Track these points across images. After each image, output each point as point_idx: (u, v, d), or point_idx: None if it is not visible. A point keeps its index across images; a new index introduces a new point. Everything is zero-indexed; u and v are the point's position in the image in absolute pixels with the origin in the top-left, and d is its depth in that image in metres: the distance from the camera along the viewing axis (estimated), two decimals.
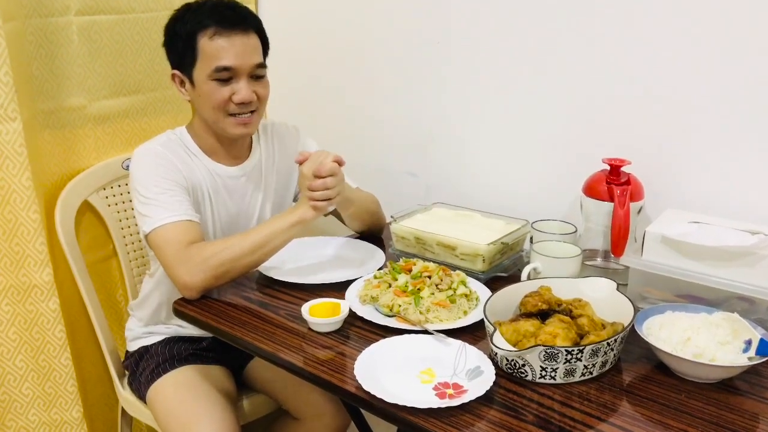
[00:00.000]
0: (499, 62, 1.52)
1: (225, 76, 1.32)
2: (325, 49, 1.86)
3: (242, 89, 1.33)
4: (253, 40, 1.35)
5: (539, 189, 1.47)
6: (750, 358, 0.98)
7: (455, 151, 1.63)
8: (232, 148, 1.44)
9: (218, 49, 1.30)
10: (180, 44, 1.34)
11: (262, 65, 1.37)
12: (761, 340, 0.97)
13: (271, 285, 1.32)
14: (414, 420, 0.91)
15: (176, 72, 1.38)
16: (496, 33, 1.51)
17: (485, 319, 1.04)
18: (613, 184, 1.25)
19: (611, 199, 1.25)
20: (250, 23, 1.35)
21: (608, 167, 1.28)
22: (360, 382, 0.96)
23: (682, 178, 1.30)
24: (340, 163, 1.30)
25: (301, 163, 1.30)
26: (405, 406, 0.91)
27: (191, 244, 1.26)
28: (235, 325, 1.18)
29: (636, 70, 1.32)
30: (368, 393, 0.94)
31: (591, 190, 1.30)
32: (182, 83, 1.38)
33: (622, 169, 1.27)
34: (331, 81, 1.87)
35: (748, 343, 1.00)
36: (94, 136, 1.62)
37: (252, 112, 1.36)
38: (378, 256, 1.42)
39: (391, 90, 1.74)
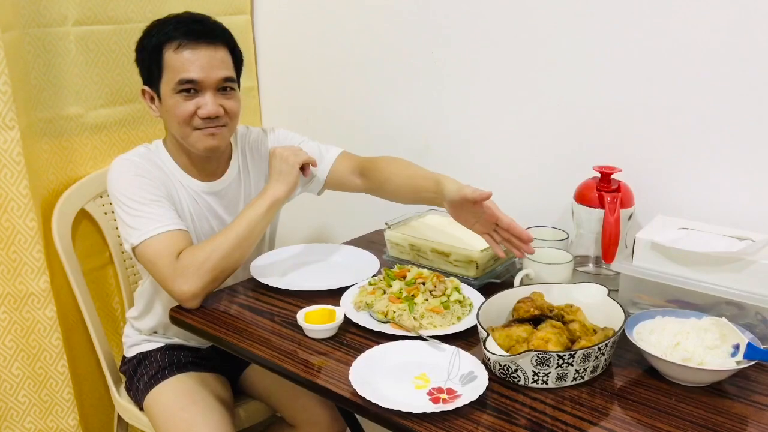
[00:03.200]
0: (493, 71, 1.54)
1: (189, 88, 1.29)
2: (320, 52, 1.88)
3: (207, 103, 1.30)
4: (221, 54, 1.32)
5: (531, 196, 1.49)
6: (738, 362, 0.99)
7: (449, 159, 1.65)
8: (207, 164, 1.42)
9: (183, 61, 1.28)
10: (147, 58, 1.32)
11: (231, 79, 1.34)
12: (749, 344, 0.99)
13: (266, 292, 1.34)
14: (408, 425, 0.92)
15: (145, 88, 1.36)
16: (490, 42, 1.53)
17: (478, 325, 1.05)
18: (604, 191, 1.27)
19: (602, 206, 1.27)
20: (218, 36, 1.32)
21: (599, 174, 1.30)
22: (355, 387, 0.97)
23: (671, 185, 1.32)
24: (313, 164, 1.38)
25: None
26: (399, 411, 0.92)
27: (180, 254, 1.26)
28: (231, 333, 1.19)
29: (626, 79, 1.35)
30: (363, 398, 0.95)
31: (582, 197, 1.32)
32: (152, 99, 1.36)
33: (613, 176, 1.29)
34: (325, 84, 1.90)
35: (736, 347, 1.02)
36: (91, 144, 1.63)
37: (220, 126, 1.33)
38: (372, 262, 1.43)
39: (386, 97, 1.77)
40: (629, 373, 1.06)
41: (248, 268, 1.40)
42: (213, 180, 1.44)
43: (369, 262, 1.44)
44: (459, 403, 0.94)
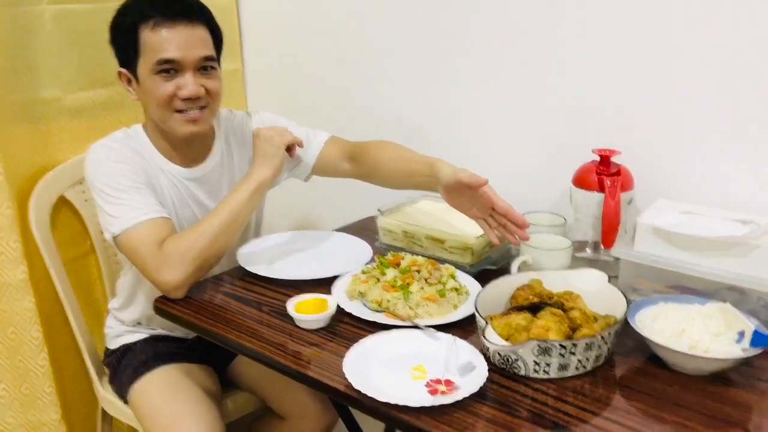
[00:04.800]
0: (488, 54, 1.50)
1: (169, 68, 1.24)
2: (309, 33, 1.82)
3: (188, 83, 1.25)
4: (200, 32, 1.26)
5: (529, 180, 1.45)
6: (744, 350, 0.96)
7: (444, 143, 1.60)
8: (189, 149, 1.37)
9: (160, 40, 1.22)
10: (122, 38, 1.27)
11: (212, 58, 1.28)
12: (755, 332, 0.96)
13: (253, 281, 1.29)
14: (406, 419, 0.89)
15: (122, 70, 1.30)
16: (485, 25, 1.49)
17: (476, 314, 1.02)
18: (604, 174, 1.24)
19: (601, 190, 1.23)
20: (196, 13, 1.26)
21: (598, 158, 1.26)
22: (350, 380, 0.93)
23: (672, 168, 1.29)
24: (300, 145, 1.34)
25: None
26: (397, 405, 0.89)
27: (163, 242, 1.21)
28: (218, 323, 1.14)
29: (626, 61, 1.31)
30: (358, 391, 0.91)
31: (581, 181, 1.28)
32: (129, 81, 1.30)
33: (612, 159, 1.25)
34: (314, 67, 1.84)
35: (741, 334, 0.99)
36: (70, 129, 1.56)
37: (202, 108, 1.28)
38: (365, 250, 1.39)
39: (378, 81, 1.71)
40: (632, 362, 1.02)
41: (234, 256, 1.35)
42: (195, 165, 1.39)
43: (361, 250, 1.39)
44: (458, 395, 0.91)
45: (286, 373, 1.03)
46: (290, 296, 1.19)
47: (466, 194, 1.18)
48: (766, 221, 1.08)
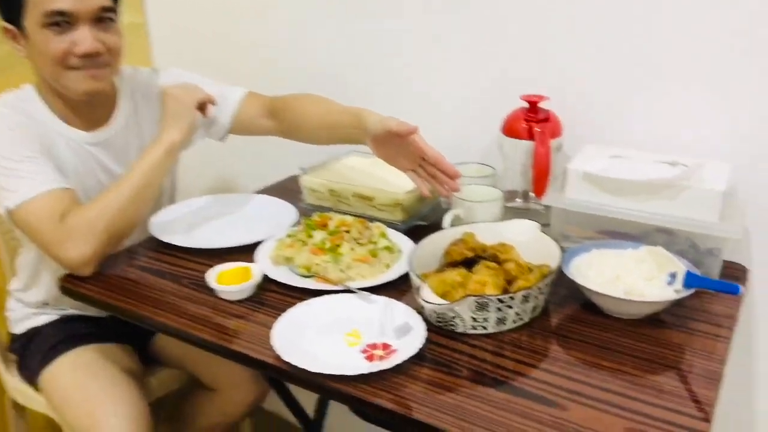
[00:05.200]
0: (410, 1, 1.42)
1: (60, 21, 1.11)
2: None
3: (84, 38, 1.13)
4: None
5: (456, 131, 1.40)
6: (677, 291, 0.96)
7: (365, 96, 1.52)
8: (90, 110, 1.25)
9: None
10: None
11: (110, 9, 1.16)
12: (687, 272, 0.96)
13: (170, 252, 1.20)
14: (343, 388, 0.84)
15: (6, 24, 1.16)
16: None
17: (411, 273, 0.97)
18: (532, 122, 1.20)
19: (530, 138, 1.20)
20: None
21: (526, 105, 1.22)
22: (278, 351, 0.87)
23: (599, 112, 1.26)
24: (212, 102, 1.24)
25: None
26: (332, 375, 0.83)
27: (65, 215, 1.10)
28: (133, 301, 1.05)
29: (549, 4, 1.26)
30: (288, 363, 0.86)
31: (509, 129, 1.24)
32: (15, 37, 1.17)
33: (540, 105, 1.22)
34: (227, 18, 1.72)
35: (673, 276, 0.98)
36: None
37: (101, 66, 1.17)
38: (289, 212, 1.32)
39: (296, 32, 1.61)
40: (567, 311, 1.01)
41: (147, 226, 1.25)
42: (98, 128, 1.27)
43: (285, 212, 1.32)
44: (396, 359, 0.86)
45: (210, 349, 0.96)
46: (211, 266, 1.11)
47: (394, 144, 1.12)
48: (693, 162, 1.08)
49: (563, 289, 1.03)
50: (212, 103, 1.26)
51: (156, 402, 1.39)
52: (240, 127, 1.37)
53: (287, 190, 1.46)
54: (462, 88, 1.41)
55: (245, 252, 1.16)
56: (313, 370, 0.84)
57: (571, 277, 0.98)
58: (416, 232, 1.22)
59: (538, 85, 1.27)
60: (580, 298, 1.02)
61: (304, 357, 0.87)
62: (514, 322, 0.95)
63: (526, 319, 0.96)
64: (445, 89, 1.44)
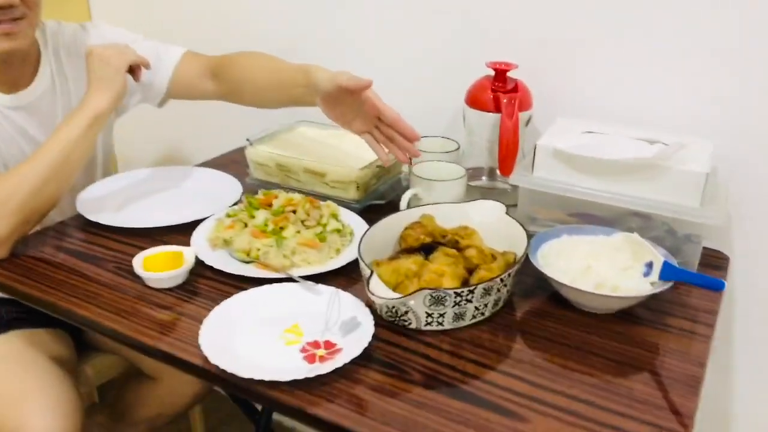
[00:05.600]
0: None
1: None
2: None
3: None
4: None
5: (416, 102, 1.28)
6: (653, 283, 0.88)
7: (321, 59, 1.40)
8: (8, 70, 1.11)
9: None
10: None
11: None
12: (665, 263, 0.87)
13: (98, 232, 1.08)
14: (276, 396, 0.74)
15: None
16: None
17: (360, 260, 0.87)
18: (499, 91, 1.09)
19: (497, 110, 1.09)
20: None
21: (493, 72, 1.11)
22: (206, 353, 0.77)
23: (573, 82, 1.16)
24: (145, 66, 1.10)
25: None
26: (263, 380, 0.73)
27: None
28: (48, 288, 0.93)
29: None
30: (216, 366, 0.75)
31: (474, 100, 1.13)
32: None
33: (509, 74, 1.11)
34: None
35: (649, 266, 0.90)
36: None
37: (15, 20, 1.03)
38: (233, 188, 1.20)
39: None
40: (533, 303, 0.92)
41: (74, 202, 1.13)
42: (18, 91, 1.13)
43: (229, 188, 1.20)
44: (339, 360, 0.76)
45: (130, 345, 0.84)
46: (143, 248, 1.00)
47: (347, 103, 1.02)
48: (674, 141, 0.98)
49: (529, 277, 0.94)
50: (145, 66, 1.12)
51: (100, 392, 1.29)
52: (179, 90, 1.24)
53: (234, 162, 1.35)
54: (422, 54, 1.29)
55: (182, 232, 1.05)
56: (242, 375, 0.73)
57: (539, 267, 0.89)
58: (373, 212, 1.12)
59: (506, 51, 1.16)
60: (547, 289, 0.93)
61: (234, 359, 0.77)
62: (474, 317, 0.85)
63: (487, 314, 0.87)
64: (403, 55, 1.32)
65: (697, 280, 0.86)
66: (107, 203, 1.14)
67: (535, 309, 0.91)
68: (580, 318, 0.88)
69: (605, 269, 0.88)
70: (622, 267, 0.89)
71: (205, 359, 0.77)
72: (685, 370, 0.79)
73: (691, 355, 0.82)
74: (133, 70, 1.11)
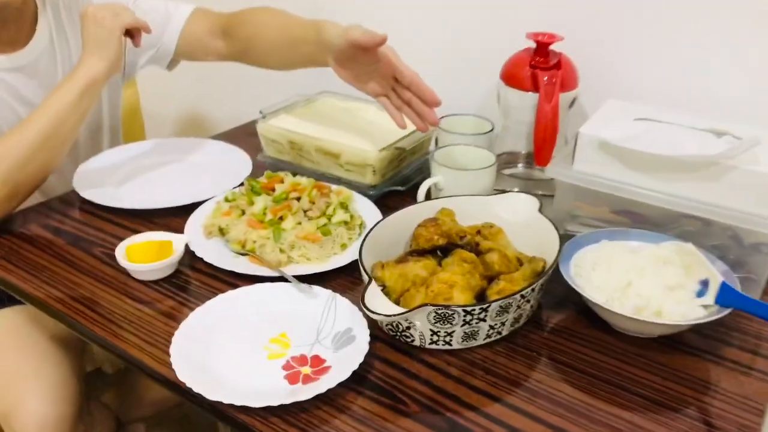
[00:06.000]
0: None
1: None
2: None
3: None
4: None
5: (445, 76, 1.14)
6: (706, 307, 0.73)
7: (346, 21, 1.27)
8: (2, 29, 1.03)
9: None
10: None
11: None
12: (723, 285, 0.72)
13: (91, 211, 1.00)
14: (246, 421, 0.64)
15: None
16: None
17: (360, 263, 0.76)
18: (539, 68, 0.95)
19: (536, 89, 0.95)
20: None
21: (534, 45, 0.96)
22: (174, 366, 0.67)
23: (626, 59, 1.00)
24: (145, 30, 1.01)
25: None
26: (233, 405, 0.63)
27: None
28: (26, 273, 0.86)
29: None
30: (183, 384, 0.66)
31: (510, 76, 0.99)
32: None
33: (552, 47, 0.96)
34: None
35: (704, 284, 0.75)
36: None
37: None
38: (244, 166, 1.10)
39: None
40: (561, 319, 0.79)
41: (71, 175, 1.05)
42: (14, 51, 1.06)
43: (239, 166, 1.10)
44: (323, 384, 0.66)
45: (101, 346, 0.76)
46: (136, 232, 0.92)
47: (360, 61, 0.92)
48: (748, 134, 0.82)
49: (559, 286, 0.79)
50: (145, 30, 1.02)
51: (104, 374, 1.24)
52: (188, 50, 1.15)
53: (252, 136, 1.24)
54: (454, 21, 1.14)
55: (181, 215, 0.96)
56: (210, 397, 0.64)
57: (570, 281, 0.76)
58: (391, 199, 1.00)
59: (550, 20, 1.01)
60: (579, 302, 0.79)
61: (205, 374, 0.68)
62: (489, 336, 0.73)
63: (505, 333, 0.75)
64: (433, 19, 1.17)
65: (761, 312, 0.70)
66: (106, 179, 1.06)
67: (563, 327, 0.78)
68: (616, 342, 0.75)
69: (649, 288, 0.74)
70: (669, 285, 0.75)
71: (173, 372, 0.67)
72: (737, 417, 0.65)
73: (747, 397, 0.68)
74: (132, 34, 1.01)
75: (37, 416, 1.00)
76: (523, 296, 0.72)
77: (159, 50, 1.14)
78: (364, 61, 0.92)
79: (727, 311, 0.71)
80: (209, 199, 0.98)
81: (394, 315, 0.68)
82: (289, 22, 1.05)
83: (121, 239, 0.89)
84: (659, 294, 0.74)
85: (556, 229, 0.82)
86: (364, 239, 0.79)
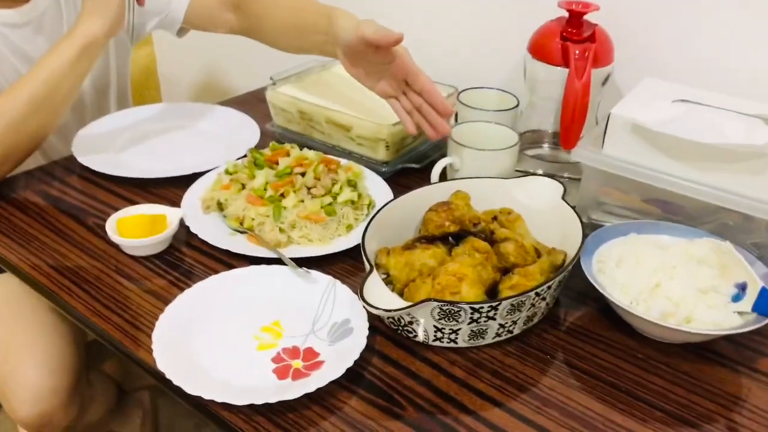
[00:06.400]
0: None
1: None
2: None
3: None
4: None
5: (465, 47, 1.07)
6: (742, 314, 0.66)
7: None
8: None
9: None
10: None
11: None
12: (762, 291, 0.65)
13: (89, 177, 0.95)
14: (228, 418, 0.59)
15: None
16: None
17: (362, 249, 0.70)
18: (571, 40, 0.86)
19: (566, 63, 0.86)
20: None
21: (566, 14, 0.88)
22: (155, 354, 0.63)
23: (668, 33, 0.91)
24: None
25: None
26: (214, 401, 0.58)
27: None
28: (14, 243, 0.82)
29: None
30: (163, 374, 0.61)
31: (538, 48, 0.90)
32: None
33: (586, 17, 0.87)
34: None
35: (741, 287, 0.68)
36: None
37: None
38: (251, 135, 1.04)
39: None
40: (579, 318, 0.73)
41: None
42: (17, 6, 1.00)
43: (247, 135, 1.04)
44: (313, 382, 0.60)
45: (81, 323, 0.72)
46: (133, 202, 0.87)
47: (372, 59, 0.85)
48: None
49: (579, 280, 0.72)
50: None
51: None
52: (197, 20, 1.08)
53: (264, 103, 1.17)
54: None
55: (181, 186, 0.91)
56: (189, 391, 0.59)
57: (592, 279, 0.69)
58: (406, 177, 0.94)
59: None
60: (600, 299, 0.72)
61: (188, 364, 0.63)
62: (498, 335, 0.67)
63: (517, 331, 0.69)
64: None
65: None
66: (107, 144, 1.01)
67: (581, 327, 0.71)
68: (639, 347, 0.69)
69: (679, 290, 0.67)
70: (702, 288, 0.68)
71: (153, 359, 0.63)
72: None
73: None
74: None
75: (33, 387, 0.97)
76: (538, 294, 0.66)
77: (167, 17, 1.08)
78: (375, 60, 0.85)
79: (766, 321, 0.64)
80: (212, 170, 0.93)
81: (395, 310, 0.62)
82: (302, 6, 0.97)
83: (117, 210, 0.84)
84: (690, 297, 0.67)
85: (580, 219, 0.75)
86: (369, 223, 0.73)
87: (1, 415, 1.08)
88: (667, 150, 0.77)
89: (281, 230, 0.79)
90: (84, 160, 0.95)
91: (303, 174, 0.85)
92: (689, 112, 0.79)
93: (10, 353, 1.00)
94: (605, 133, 0.80)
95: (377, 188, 0.90)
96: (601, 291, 0.68)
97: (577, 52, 0.84)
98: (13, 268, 0.79)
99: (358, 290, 0.63)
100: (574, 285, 0.74)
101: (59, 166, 0.98)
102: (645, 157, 0.78)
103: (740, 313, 0.67)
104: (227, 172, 0.89)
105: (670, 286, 0.67)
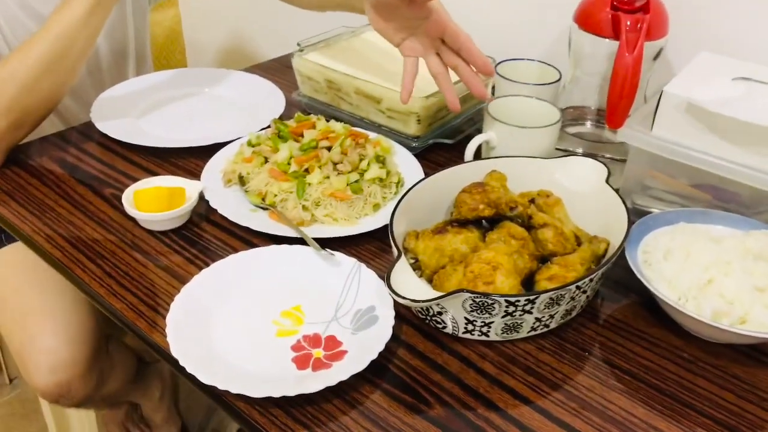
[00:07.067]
0: None
1: None
2: None
3: None
4: None
5: (506, 15, 1.00)
6: None
7: None
8: None
9: None
10: None
11: None
12: None
13: (107, 144, 0.92)
14: (244, 409, 0.56)
15: None
16: None
17: (390, 233, 0.65)
18: (623, 10, 0.79)
19: (616, 36, 0.80)
20: None
21: None
22: (169, 339, 0.59)
23: (729, 4, 0.83)
24: None
25: None
26: (228, 392, 0.55)
27: None
28: (29, 213, 0.79)
29: None
30: (177, 360, 0.58)
31: (585, 18, 0.84)
32: None
33: None
34: None
35: None
36: None
37: None
38: (276, 104, 0.99)
39: None
40: (622, 312, 0.68)
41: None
42: None
43: (272, 102, 1.00)
44: (335, 375, 0.57)
45: (94, 300, 0.69)
46: (152, 173, 0.84)
47: (403, 15, 0.79)
48: None
49: (622, 270, 0.67)
50: None
51: None
52: None
53: (290, 69, 1.12)
54: None
55: (203, 156, 0.87)
56: (203, 380, 0.56)
57: (637, 272, 0.64)
58: (437, 153, 0.89)
59: None
60: (644, 292, 0.67)
61: (203, 351, 0.59)
62: (534, 329, 0.63)
63: (554, 326, 0.64)
64: None
65: None
66: (126, 110, 0.97)
67: (623, 322, 0.66)
68: (685, 346, 0.64)
69: (734, 288, 0.62)
70: (759, 286, 0.62)
71: (167, 343, 0.60)
72: None
73: None
74: None
75: (50, 356, 0.96)
76: (579, 287, 0.61)
77: None
78: (406, 15, 0.78)
79: None
80: (234, 140, 0.89)
81: (424, 301, 0.58)
82: None
83: (134, 180, 0.81)
84: (746, 296, 0.61)
85: (625, 205, 0.69)
86: (397, 204, 0.68)
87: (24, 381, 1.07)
88: (723, 132, 0.70)
89: (305, 208, 0.75)
90: (102, 126, 0.92)
91: (329, 148, 0.81)
92: (750, 91, 0.72)
93: (29, 321, 0.99)
94: (656, 112, 0.74)
95: (407, 165, 0.85)
96: (647, 286, 0.62)
97: (628, 23, 0.78)
98: (27, 240, 0.76)
99: (385, 278, 0.59)
100: (615, 274, 0.69)
101: (77, 132, 0.95)
102: (699, 139, 0.72)
103: None
104: (250, 143, 0.84)
105: (724, 283, 0.62)
